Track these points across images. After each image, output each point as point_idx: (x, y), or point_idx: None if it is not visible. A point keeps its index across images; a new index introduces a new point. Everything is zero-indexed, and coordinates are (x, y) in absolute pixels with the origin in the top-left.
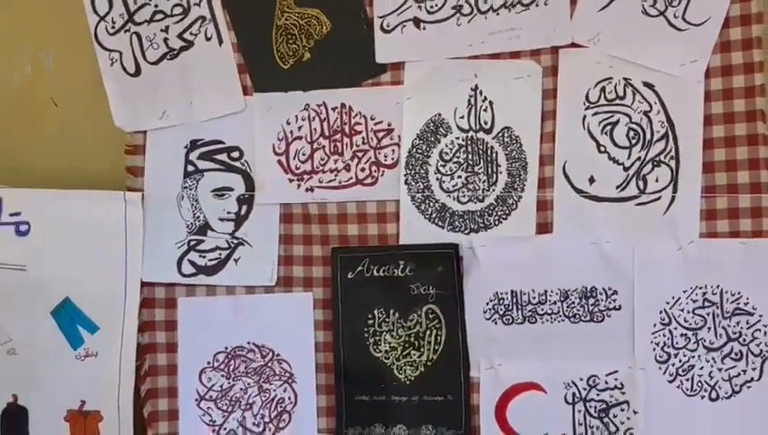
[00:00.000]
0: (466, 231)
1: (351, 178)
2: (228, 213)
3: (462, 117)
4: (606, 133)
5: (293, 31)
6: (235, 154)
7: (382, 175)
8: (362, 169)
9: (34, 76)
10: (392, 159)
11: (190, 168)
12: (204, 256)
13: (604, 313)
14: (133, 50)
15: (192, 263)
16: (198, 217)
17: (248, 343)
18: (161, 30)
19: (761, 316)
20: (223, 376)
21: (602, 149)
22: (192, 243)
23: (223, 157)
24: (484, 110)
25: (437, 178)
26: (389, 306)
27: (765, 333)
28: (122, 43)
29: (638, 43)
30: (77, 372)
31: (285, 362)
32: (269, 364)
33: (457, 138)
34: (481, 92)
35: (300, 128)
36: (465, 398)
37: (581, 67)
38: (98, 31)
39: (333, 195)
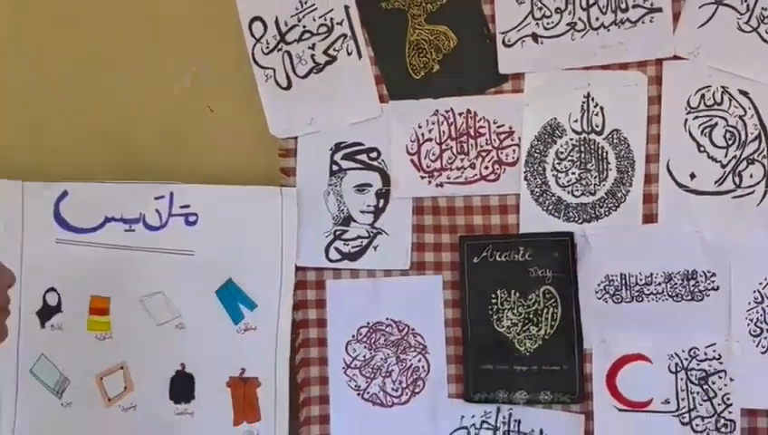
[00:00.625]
0: (580, 221)
1: (476, 174)
2: (368, 206)
3: (576, 121)
4: (705, 135)
5: (424, 46)
6: (374, 154)
7: (504, 172)
8: (486, 167)
9: (193, 86)
10: (513, 157)
11: (335, 167)
12: (347, 244)
13: (704, 292)
14: (285, 66)
15: (338, 250)
16: (343, 210)
17: (387, 319)
18: (308, 47)
19: None
20: (365, 347)
21: (702, 148)
22: (337, 233)
23: (363, 157)
24: (596, 114)
25: (554, 175)
26: (511, 287)
27: None
28: (275, 61)
29: (734, 56)
30: (238, 343)
31: (419, 335)
32: (405, 337)
33: (571, 139)
34: (593, 99)
35: (430, 131)
36: (579, 367)
37: (683, 77)
38: (254, 51)
39: (460, 189)
